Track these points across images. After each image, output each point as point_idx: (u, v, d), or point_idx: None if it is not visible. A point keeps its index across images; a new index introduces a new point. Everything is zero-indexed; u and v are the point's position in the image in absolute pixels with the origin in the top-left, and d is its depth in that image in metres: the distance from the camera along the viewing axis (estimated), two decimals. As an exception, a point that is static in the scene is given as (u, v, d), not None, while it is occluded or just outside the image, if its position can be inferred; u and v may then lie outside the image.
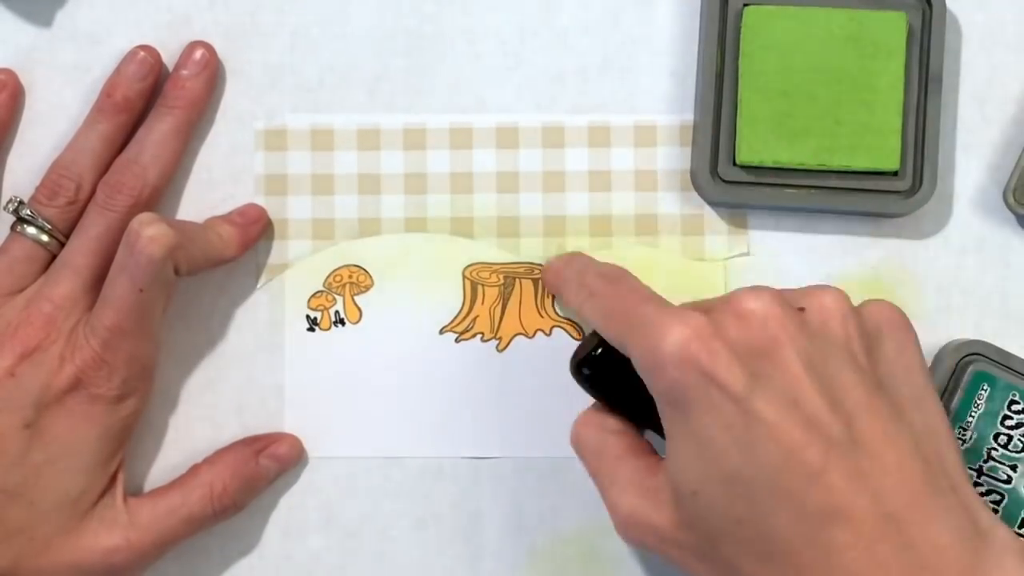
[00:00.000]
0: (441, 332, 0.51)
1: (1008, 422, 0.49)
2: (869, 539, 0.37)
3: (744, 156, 0.50)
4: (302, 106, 0.52)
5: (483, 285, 0.51)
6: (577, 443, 0.45)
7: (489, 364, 0.51)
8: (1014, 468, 0.48)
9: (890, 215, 0.51)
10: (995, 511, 0.48)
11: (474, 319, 0.51)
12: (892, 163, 0.49)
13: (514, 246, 0.52)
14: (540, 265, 0.51)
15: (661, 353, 0.39)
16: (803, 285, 0.43)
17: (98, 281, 0.47)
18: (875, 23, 0.49)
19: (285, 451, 0.50)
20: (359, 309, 0.51)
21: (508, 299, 0.51)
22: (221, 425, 0.51)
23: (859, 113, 0.49)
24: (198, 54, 0.50)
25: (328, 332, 0.51)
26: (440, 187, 0.52)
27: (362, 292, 0.51)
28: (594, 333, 0.45)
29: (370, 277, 0.51)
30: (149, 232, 0.45)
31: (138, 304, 0.46)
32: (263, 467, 0.50)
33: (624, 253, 0.51)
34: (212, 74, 0.51)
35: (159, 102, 0.50)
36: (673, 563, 0.41)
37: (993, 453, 0.48)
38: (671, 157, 0.52)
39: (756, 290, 0.40)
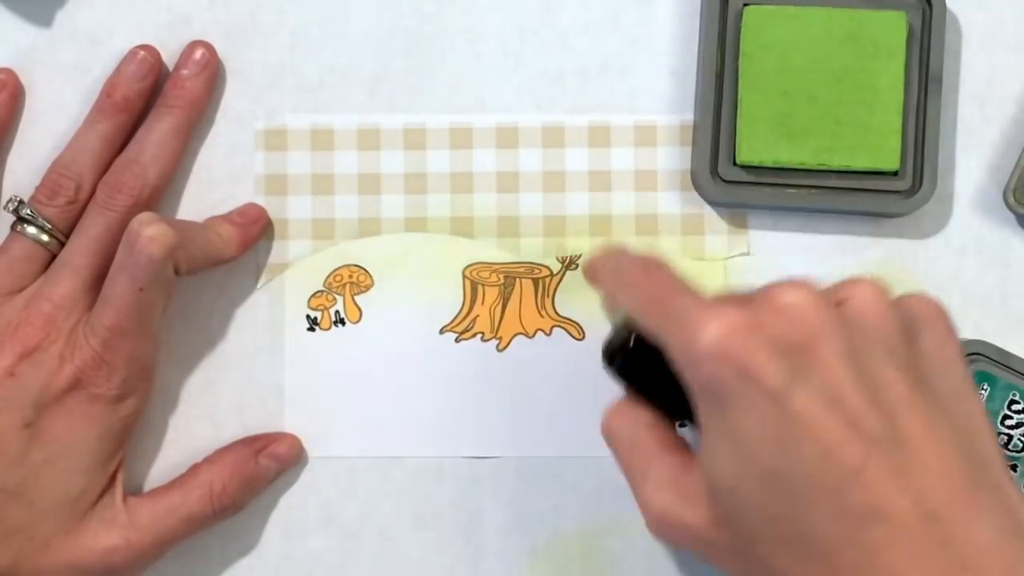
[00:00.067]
0: (441, 332, 0.51)
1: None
2: (910, 538, 0.36)
3: (744, 156, 0.50)
4: (302, 106, 0.52)
5: (483, 285, 0.51)
6: (608, 435, 0.44)
7: (489, 364, 0.51)
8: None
9: (890, 215, 0.51)
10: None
11: (474, 319, 0.51)
12: (892, 163, 0.49)
13: (514, 246, 0.52)
14: (540, 265, 0.51)
15: (698, 348, 0.38)
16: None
17: (98, 281, 0.47)
18: (875, 23, 0.49)
19: (285, 451, 0.50)
20: (359, 309, 0.51)
21: (508, 299, 0.51)
22: (221, 425, 0.51)
23: (859, 113, 0.49)
24: (198, 54, 0.50)
25: (328, 332, 0.51)
26: (440, 187, 0.52)
27: (362, 292, 0.51)
28: (625, 323, 0.44)
29: (370, 277, 0.51)
30: (149, 232, 0.45)
31: (138, 304, 0.46)
32: (263, 467, 0.50)
33: (624, 253, 0.51)
34: (212, 74, 0.51)
35: (159, 102, 0.50)
36: (706, 561, 0.41)
37: (993, 453, 0.48)
38: (671, 157, 0.52)
39: (794, 283, 0.39)
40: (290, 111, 0.52)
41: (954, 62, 0.52)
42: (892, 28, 0.49)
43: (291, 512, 0.51)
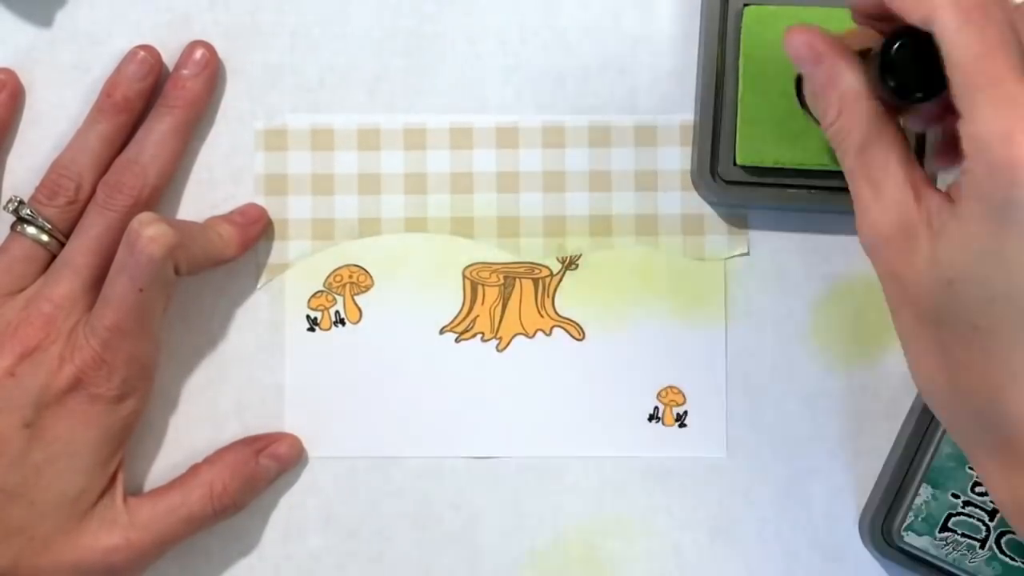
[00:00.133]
0: (441, 332, 0.51)
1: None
2: None
3: (744, 156, 0.50)
4: (302, 106, 0.52)
5: (483, 285, 0.51)
6: (841, 108, 0.40)
7: (489, 364, 0.51)
8: None
9: (890, 215, 0.51)
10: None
11: (474, 319, 0.51)
12: (892, 163, 0.49)
13: (514, 246, 0.52)
14: (540, 265, 0.51)
15: (1013, 155, 0.35)
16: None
17: (98, 281, 0.47)
18: (875, 23, 0.49)
19: (285, 451, 0.50)
20: (359, 309, 0.51)
21: (508, 299, 0.51)
22: (221, 425, 0.51)
23: (859, 113, 0.49)
24: (198, 54, 0.50)
25: (328, 332, 0.51)
26: (440, 187, 0.52)
27: (362, 292, 0.51)
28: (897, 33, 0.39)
29: (370, 277, 0.51)
30: (149, 232, 0.45)
31: (138, 304, 0.46)
32: (263, 467, 0.50)
33: (624, 253, 0.51)
34: (212, 74, 0.51)
35: (159, 102, 0.50)
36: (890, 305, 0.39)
37: (993, 453, 0.48)
38: (671, 157, 0.52)
39: None
40: (290, 111, 0.52)
41: (954, 62, 0.52)
42: (892, 28, 0.49)
43: (291, 512, 0.51)
